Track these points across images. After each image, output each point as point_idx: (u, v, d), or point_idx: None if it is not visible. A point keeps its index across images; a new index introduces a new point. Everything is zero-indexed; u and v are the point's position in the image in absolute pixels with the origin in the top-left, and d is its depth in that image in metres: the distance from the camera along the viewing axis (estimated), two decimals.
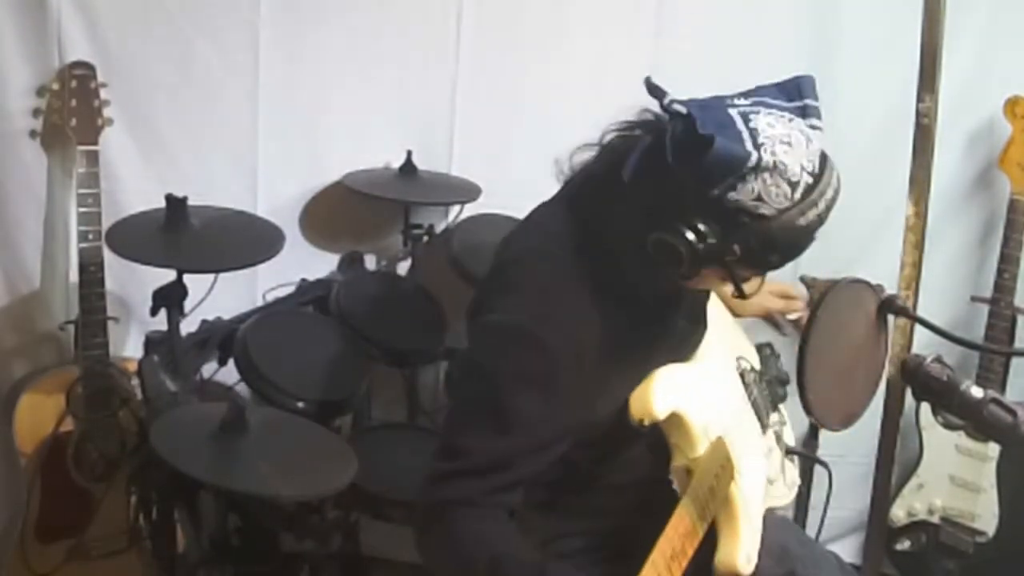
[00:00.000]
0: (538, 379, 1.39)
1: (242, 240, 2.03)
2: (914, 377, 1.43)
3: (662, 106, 1.39)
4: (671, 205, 1.33)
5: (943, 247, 2.49)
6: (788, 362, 1.71)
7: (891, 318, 1.53)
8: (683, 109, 1.35)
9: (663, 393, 1.43)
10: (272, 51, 2.34)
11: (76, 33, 2.23)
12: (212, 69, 2.33)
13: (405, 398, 2.40)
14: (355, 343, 2.14)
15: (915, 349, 2.25)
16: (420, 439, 2.28)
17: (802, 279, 2.46)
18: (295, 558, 1.95)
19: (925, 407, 2.47)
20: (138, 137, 2.33)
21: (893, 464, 2.45)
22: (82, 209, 2.15)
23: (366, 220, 2.48)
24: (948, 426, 2.47)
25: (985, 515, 2.43)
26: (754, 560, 1.51)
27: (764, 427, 1.67)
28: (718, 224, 1.31)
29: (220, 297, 2.06)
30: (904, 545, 2.54)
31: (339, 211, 2.45)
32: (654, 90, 1.43)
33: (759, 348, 1.81)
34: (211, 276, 2.03)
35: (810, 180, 1.31)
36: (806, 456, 1.79)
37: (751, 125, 1.32)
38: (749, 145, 1.29)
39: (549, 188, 2.49)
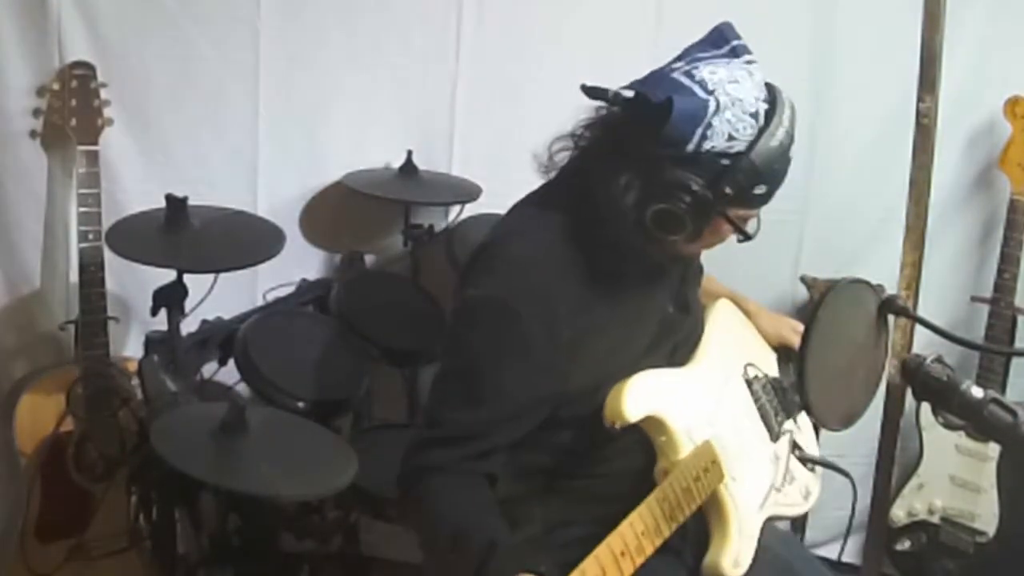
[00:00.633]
0: (510, 349, 1.43)
1: (242, 240, 2.03)
2: (914, 377, 1.43)
3: (609, 102, 1.50)
4: (656, 178, 1.40)
5: (943, 247, 2.49)
6: None
7: (891, 318, 1.53)
8: (630, 92, 1.46)
9: (636, 397, 1.44)
10: (272, 51, 2.34)
11: (76, 33, 2.23)
12: (212, 69, 2.33)
13: (405, 398, 2.40)
14: (355, 343, 2.14)
15: (915, 349, 2.25)
16: None
17: (802, 279, 2.48)
18: (295, 558, 1.96)
19: (925, 407, 2.47)
20: (138, 137, 2.33)
21: (893, 464, 2.44)
22: (82, 209, 2.15)
23: (366, 220, 2.48)
24: (948, 426, 2.47)
25: (985, 515, 2.43)
26: (743, 565, 1.50)
27: (773, 434, 1.67)
28: (704, 175, 1.39)
29: (220, 297, 2.07)
30: (904, 545, 2.54)
31: (339, 211, 2.45)
32: (593, 92, 1.55)
33: (780, 354, 1.82)
34: (211, 276, 2.03)
35: (766, 106, 1.42)
36: (826, 464, 1.80)
37: (696, 78, 1.43)
38: (703, 94, 1.39)
39: None
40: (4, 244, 2.31)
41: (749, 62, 1.49)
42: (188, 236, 1.94)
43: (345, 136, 2.43)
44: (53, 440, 2.17)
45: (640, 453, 1.51)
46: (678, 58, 1.52)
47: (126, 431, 2.13)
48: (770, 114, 1.41)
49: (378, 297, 2.32)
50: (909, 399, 2.38)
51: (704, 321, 1.71)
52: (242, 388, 2.07)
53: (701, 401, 1.55)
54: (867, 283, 1.49)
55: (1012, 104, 2.37)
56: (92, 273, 2.16)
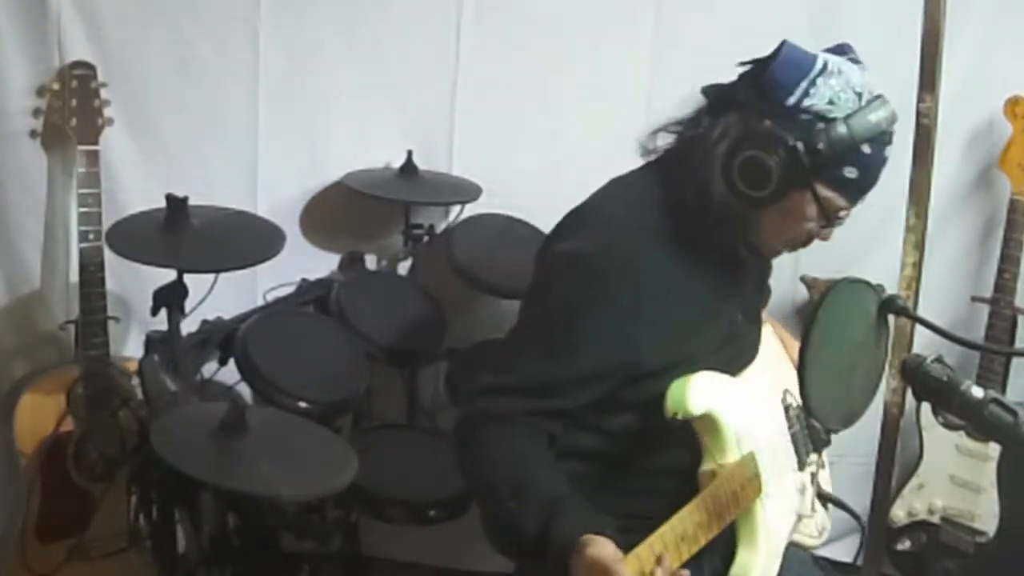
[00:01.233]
0: (594, 306, 1.45)
1: (242, 240, 2.03)
2: (914, 377, 1.42)
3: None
4: (753, 127, 1.43)
5: (943, 247, 2.49)
6: None
7: (891, 318, 1.53)
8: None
9: (701, 391, 1.46)
10: (272, 51, 2.34)
11: (76, 33, 2.23)
12: (212, 69, 2.33)
13: (405, 398, 2.40)
14: (355, 343, 2.14)
15: (915, 349, 2.25)
16: (420, 439, 2.28)
17: (802, 279, 2.48)
18: (295, 558, 1.96)
19: (925, 407, 2.47)
20: (138, 137, 2.33)
21: (893, 464, 2.45)
22: (82, 209, 2.15)
23: (366, 220, 2.48)
24: (948, 426, 2.47)
25: (985, 515, 2.43)
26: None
27: (801, 464, 1.68)
28: (800, 132, 1.40)
29: (220, 297, 2.06)
30: (904, 545, 2.54)
31: (339, 211, 2.45)
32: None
33: None
34: (211, 276, 2.03)
35: (871, 93, 1.44)
36: (839, 505, 1.82)
37: (812, 52, 1.45)
38: (818, 55, 1.44)
39: (549, 188, 2.52)
40: (4, 244, 2.32)
41: (859, 63, 1.50)
42: (188, 236, 1.94)
43: (345, 136, 2.43)
44: (53, 440, 2.17)
45: (686, 454, 1.52)
46: None
47: (126, 431, 2.13)
48: (873, 99, 1.43)
49: (378, 297, 2.32)
50: (909, 399, 2.40)
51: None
52: (242, 388, 2.07)
53: (749, 414, 1.56)
54: (867, 283, 1.49)
55: (1012, 104, 2.37)
56: (92, 273, 2.16)
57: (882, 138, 1.45)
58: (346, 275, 2.39)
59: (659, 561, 1.28)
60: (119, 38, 2.27)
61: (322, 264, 2.45)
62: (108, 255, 2.10)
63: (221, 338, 2.05)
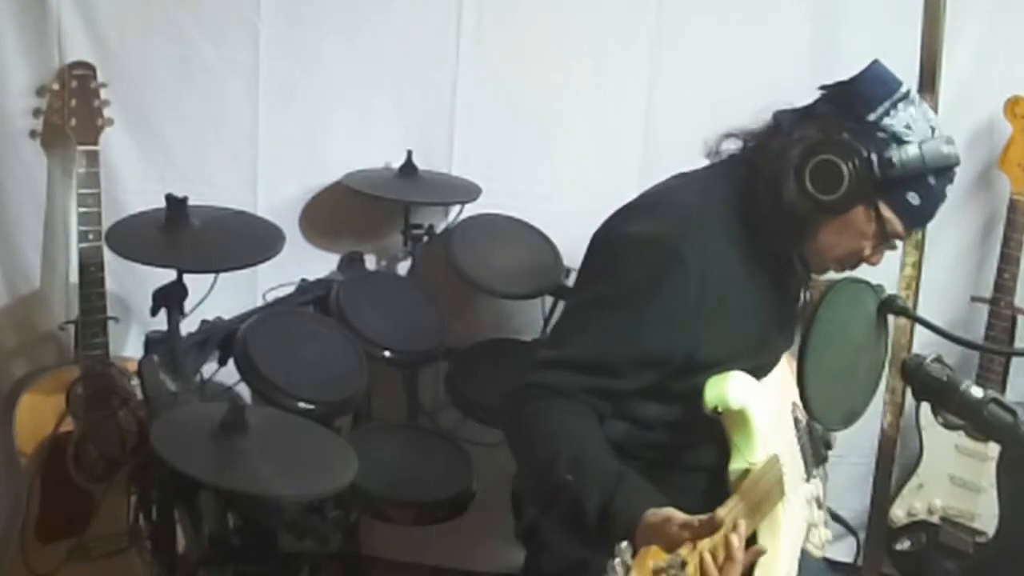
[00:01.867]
0: (667, 288, 1.46)
1: (242, 240, 2.03)
2: (914, 377, 1.43)
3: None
4: (832, 135, 1.47)
5: (943, 247, 2.49)
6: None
7: (891, 318, 1.53)
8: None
9: (739, 386, 1.48)
10: (272, 51, 2.34)
11: (76, 33, 2.23)
12: (212, 69, 2.33)
13: (405, 398, 2.40)
14: (355, 343, 2.14)
15: (915, 349, 2.26)
16: (420, 439, 2.28)
17: None
18: (295, 558, 1.96)
19: (925, 407, 2.47)
20: (138, 137, 2.33)
21: (893, 464, 2.45)
22: (82, 209, 2.15)
23: (366, 220, 2.48)
24: (948, 426, 2.47)
25: (985, 515, 2.43)
26: None
27: (808, 475, 1.69)
28: (874, 147, 1.45)
29: (220, 297, 2.06)
30: (904, 545, 2.54)
31: (339, 211, 2.45)
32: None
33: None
34: (211, 276, 2.03)
35: (942, 133, 1.49)
36: (836, 519, 1.83)
37: (910, 88, 1.52)
38: (904, 83, 1.50)
39: (549, 188, 2.52)
40: (4, 244, 2.32)
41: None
42: (188, 236, 1.94)
43: (345, 136, 2.43)
44: (53, 440, 2.17)
45: (714, 451, 1.53)
46: None
47: (126, 431, 2.13)
48: (945, 138, 1.48)
49: (378, 297, 2.32)
50: (909, 399, 2.40)
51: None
52: (242, 388, 2.07)
53: (772, 419, 1.57)
54: (867, 283, 1.49)
55: (1012, 104, 2.37)
56: (92, 273, 2.16)
57: (947, 174, 1.49)
58: (346, 275, 2.39)
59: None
60: (119, 38, 2.27)
61: (322, 264, 2.45)
62: (108, 255, 2.10)
63: (221, 338, 2.05)
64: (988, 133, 2.46)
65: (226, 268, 1.99)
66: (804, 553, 1.64)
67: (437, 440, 2.27)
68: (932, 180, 1.47)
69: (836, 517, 1.82)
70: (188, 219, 1.95)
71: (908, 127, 1.46)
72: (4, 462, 2.25)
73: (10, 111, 2.24)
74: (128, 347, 2.36)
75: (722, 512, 1.28)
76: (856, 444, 2.47)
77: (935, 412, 2.48)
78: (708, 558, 1.20)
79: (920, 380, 1.41)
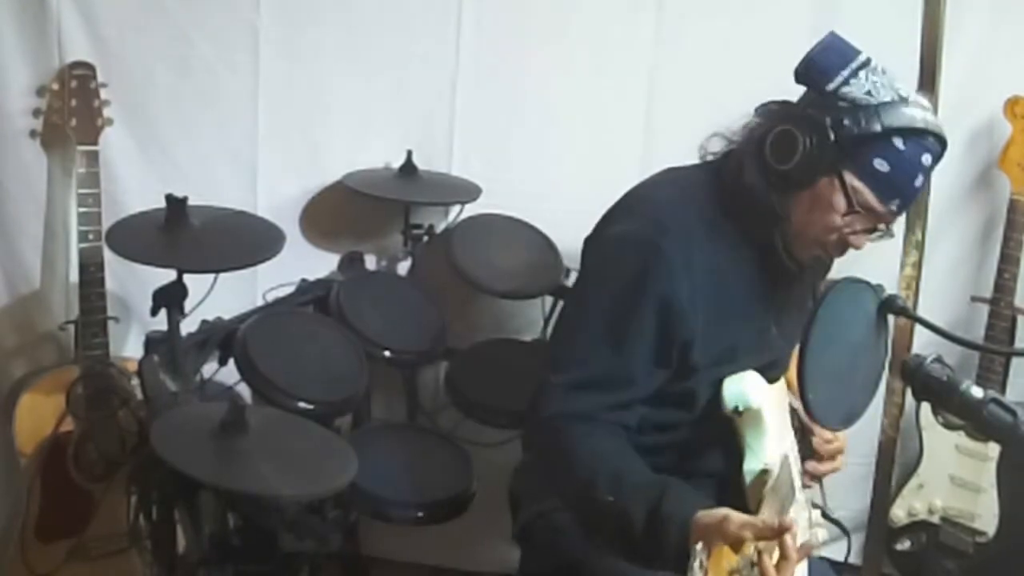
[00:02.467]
0: (653, 282, 1.46)
1: (242, 240, 2.03)
2: (914, 377, 1.43)
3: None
4: (791, 110, 1.48)
5: (943, 247, 2.49)
6: None
7: (891, 318, 1.53)
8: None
9: (755, 386, 1.50)
10: (272, 51, 2.34)
11: (76, 33, 2.23)
12: (212, 69, 2.33)
13: (405, 398, 2.40)
14: (355, 343, 2.14)
15: (915, 349, 2.26)
16: (420, 439, 2.28)
17: None
18: (295, 558, 1.95)
19: (925, 407, 2.47)
20: (138, 137, 2.33)
21: (893, 464, 2.45)
22: (82, 209, 2.15)
23: (366, 220, 2.48)
24: (948, 426, 2.47)
25: (985, 515, 2.43)
26: None
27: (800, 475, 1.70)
28: (833, 114, 1.43)
29: (220, 297, 2.06)
30: (904, 545, 2.54)
31: (339, 211, 2.45)
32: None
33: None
34: (211, 276, 2.03)
35: (916, 101, 1.46)
36: (827, 518, 1.83)
37: (869, 56, 1.48)
38: (863, 52, 1.47)
39: (549, 188, 2.52)
40: (4, 244, 2.32)
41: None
42: (188, 236, 1.94)
43: (345, 136, 2.43)
44: (53, 440, 2.17)
45: (719, 459, 1.54)
46: None
47: (126, 431, 2.13)
48: (917, 103, 1.45)
49: (378, 297, 2.32)
50: (909, 399, 2.40)
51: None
52: (242, 388, 2.07)
53: (778, 420, 1.58)
54: (867, 283, 1.49)
55: (1012, 104, 2.37)
56: (92, 273, 2.16)
57: (919, 138, 1.45)
58: (346, 275, 2.39)
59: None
60: (119, 38, 2.26)
61: (322, 264, 2.45)
62: (108, 255, 2.10)
63: (221, 338, 2.05)
64: (988, 133, 2.46)
65: (226, 268, 1.99)
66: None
67: (437, 440, 2.27)
68: (900, 144, 1.43)
69: (827, 516, 1.82)
70: (188, 219, 1.95)
71: (869, 93, 1.43)
72: (4, 462, 2.25)
73: (10, 111, 2.23)
74: (128, 347, 2.36)
75: (770, 516, 1.30)
76: (856, 444, 2.45)
77: (935, 412, 2.48)
78: (767, 560, 1.20)
79: (920, 380, 1.41)
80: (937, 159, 1.49)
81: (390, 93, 2.42)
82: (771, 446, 1.49)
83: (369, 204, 2.38)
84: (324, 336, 2.15)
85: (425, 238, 2.45)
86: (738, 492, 1.48)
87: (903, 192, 1.48)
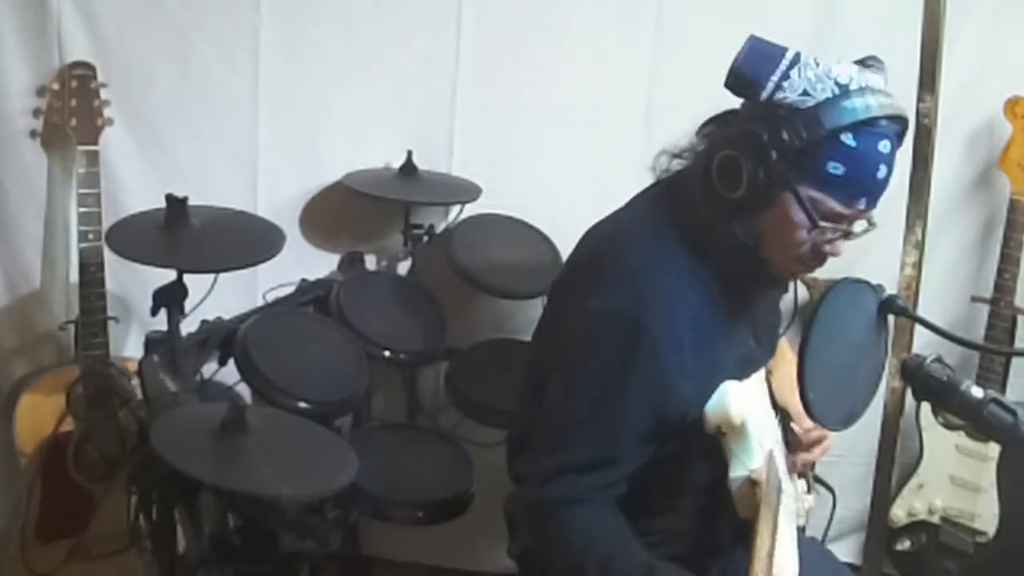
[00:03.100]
0: (639, 363, 1.41)
1: (242, 240, 2.03)
2: (914, 377, 1.43)
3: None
4: (731, 128, 1.39)
5: (943, 247, 2.49)
6: None
7: (891, 318, 1.53)
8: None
9: (736, 400, 1.46)
10: (272, 51, 2.34)
11: (76, 33, 2.23)
12: (212, 69, 2.33)
13: (405, 398, 2.40)
14: (355, 343, 2.14)
15: (915, 349, 2.26)
16: (420, 439, 2.29)
17: (802, 279, 2.47)
18: (295, 558, 1.95)
19: (925, 407, 2.47)
20: (138, 137, 2.33)
21: (893, 464, 2.45)
22: (82, 209, 2.15)
23: (366, 220, 2.48)
24: (948, 426, 2.47)
25: (985, 515, 2.43)
26: (797, 566, 1.51)
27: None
28: (771, 126, 1.33)
29: (220, 297, 2.06)
30: (904, 545, 2.54)
31: (339, 211, 2.45)
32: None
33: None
34: (211, 276, 2.03)
35: (861, 84, 1.34)
36: (817, 480, 1.84)
37: (798, 51, 1.37)
38: (789, 48, 1.36)
39: (549, 188, 2.52)
40: (4, 244, 2.32)
41: (867, 65, 1.40)
42: (188, 236, 1.94)
43: (345, 136, 2.43)
44: (53, 440, 2.17)
45: (706, 470, 1.52)
46: None
47: (126, 431, 2.13)
48: (861, 90, 1.34)
49: (378, 297, 2.32)
50: (909, 399, 2.40)
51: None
52: (242, 388, 2.07)
53: (759, 413, 1.57)
54: (867, 283, 1.49)
55: (1012, 104, 2.37)
56: (92, 273, 2.16)
57: (871, 129, 1.34)
58: (346, 275, 2.39)
59: None
60: (119, 38, 2.27)
61: (322, 264, 2.45)
62: (108, 255, 2.10)
63: (221, 338, 2.05)
64: (988, 133, 2.46)
65: (226, 268, 1.99)
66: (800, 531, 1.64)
67: (437, 440, 2.27)
68: (850, 140, 1.33)
69: (817, 479, 1.83)
70: (188, 219, 1.95)
71: (806, 93, 1.33)
72: (4, 462, 2.25)
73: (10, 111, 2.24)
74: (128, 347, 2.36)
75: (759, 540, 1.30)
76: (856, 444, 2.47)
77: (935, 412, 2.48)
78: None
79: (920, 380, 1.41)
80: (899, 138, 1.40)
81: (390, 93, 2.42)
82: (757, 449, 1.48)
83: (369, 204, 2.38)
84: (324, 336, 2.15)
85: (425, 238, 2.45)
86: (726, 501, 1.47)
87: (867, 189, 1.39)
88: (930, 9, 2.19)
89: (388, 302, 2.32)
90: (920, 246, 2.31)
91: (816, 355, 1.38)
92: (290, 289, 2.27)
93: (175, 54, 2.31)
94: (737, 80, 1.37)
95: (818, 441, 1.68)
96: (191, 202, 1.96)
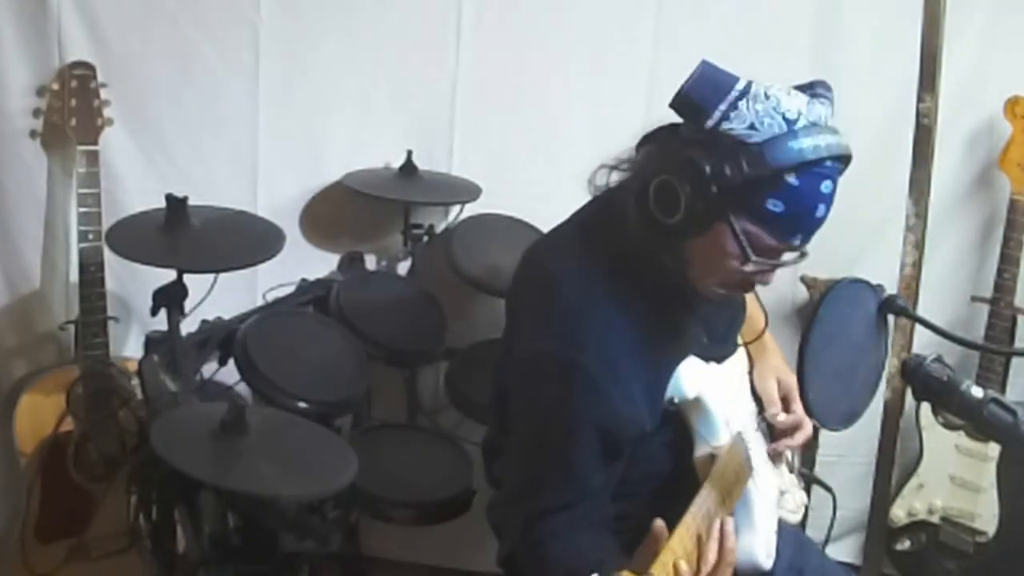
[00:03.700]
0: (580, 400, 1.41)
1: (242, 240, 2.03)
2: (914, 377, 1.42)
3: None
4: (671, 152, 1.36)
5: (943, 247, 2.49)
6: None
7: (891, 318, 1.53)
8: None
9: (689, 375, 1.49)
10: (272, 51, 2.34)
11: (76, 33, 2.23)
12: (212, 69, 2.33)
13: (405, 398, 2.40)
14: (355, 343, 2.14)
15: (915, 349, 2.26)
16: (420, 439, 2.28)
17: (802, 279, 2.48)
18: (295, 558, 1.95)
19: (925, 407, 2.47)
20: (138, 137, 2.33)
21: (893, 464, 2.45)
22: (82, 209, 2.15)
23: (366, 220, 2.48)
24: (948, 426, 2.47)
25: (985, 515, 2.43)
26: (773, 556, 1.52)
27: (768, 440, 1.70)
28: (715, 157, 1.31)
29: (220, 297, 2.06)
30: (904, 545, 2.54)
31: (339, 211, 2.45)
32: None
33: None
34: (211, 276, 2.03)
35: (808, 123, 1.32)
36: (810, 478, 1.85)
37: (749, 81, 1.35)
38: (742, 78, 1.33)
39: (548, 188, 2.52)
40: (4, 244, 2.32)
41: (821, 99, 1.39)
42: (188, 236, 1.94)
43: (345, 136, 2.43)
44: (53, 440, 2.17)
45: (666, 458, 1.53)
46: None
47: (126, 431, 2.13)
48: (809, 127, 1.32)
49: (378, 297, 2.32)
50: (909, 399, 2.40)
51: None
52: (242, 388, 2.07)
53: (731, 396, 1.59)
54: (867, 283, 1.49)
55: (1012, 104, 2.37)
56: (92, 273, 2.17)
57: (815, 169, 1.32)
58: (346, 275, 2.39)
59: (698, 541, 1.28)
60: (119, 38, 2.27)
61: (322, 264, 2.45)
62: (108, 255, 2.10)
63: (221, 338, 2.05)
64: (988, 133, 2.46)
65: (226, 268, 1.99)
66: (782, 522, 1.65)
67: (437, 440, 2.27)
68: (793, 180, 1.31)
69: (815, 479, 1.83)
70: (188, 219, 1.95)
71: (752, 127, 1.30)
72: (4, 462, 2.25)
73: (10, 111, 2.24)
74: (128, 347, 2.36)
75: (693, 508, 1.30)
76: (856, 444, 2.47)
77: (935, 412, 2.48)
78: (683, 566, 1.20)
79: (920, 380, 1.41)
80: (840, 174, 1.38)
81: (390, 93, 2.42)
82: (721, 427, 1.50)
83: (369, 204, 2.38)
84: (324, 336, 2.15)
85: (425, 238, 2.45)
86: (691, 482, 1.47)
87: (804, 227, 1.37)
88: (930, 9, 2.19)
89: (388, 302, 2.32)
90: (920, 246, 2.31)
91: (816, 355, 1.38)
92: (290, 289, 2.27)
93: (175, 54, 2.31)
94: (684, 104, 1.35)
95: (794, 427, 1.68)
96: (191, 202, 1.96)
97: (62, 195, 2.31)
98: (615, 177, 1.51)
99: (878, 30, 2.37)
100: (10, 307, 2.35)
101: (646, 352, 1.46)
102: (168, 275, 1.94)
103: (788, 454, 1.74)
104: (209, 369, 2.11)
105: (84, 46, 2.24)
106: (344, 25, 2.36)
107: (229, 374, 2.08)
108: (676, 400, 1.48)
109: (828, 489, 1.82)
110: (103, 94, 2.21)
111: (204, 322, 2.07)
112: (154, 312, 1.96)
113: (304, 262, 2.39)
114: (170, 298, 1.94)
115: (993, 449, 2.40)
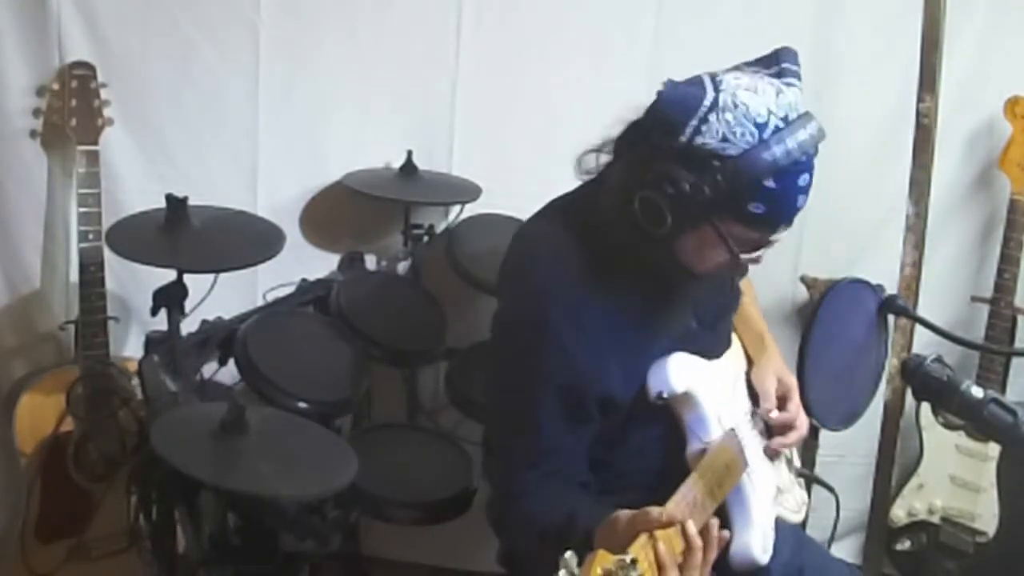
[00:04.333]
0: (548, 365, 1.45)
1: (242, 240, 2.03)
2: (914, 377, 1.43)
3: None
4: (648, 167, 1.40)
5: (943, 247, 2.49)
6: None
7: (891, 318, 1.53)
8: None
9: (679, 370, 1.50)
10: (272, 51, 2.34)
11: (76, 33, 2.23)
12: (212, 69, 2.33)
13: (405, 398, 2.40)
14: (355, 343, 2.14)
15: (915, 349, 2.26)
16: (420, 439, 2.28)
17: (802, 279, 2.48)
18: (295, 558, 1.96)
19: (925, 407, 2.47)
20: (138, 137, 2.33)
21: (893, 464, 2.46)
22: (82, 209, 2.15)
23: (366, 220, 2.48)
24: (948, 426, 2.47)
25: (985, 515, 2.43)
26: (770, 551, 1.52)
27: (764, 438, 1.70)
28: (692, 172, 1.35)
29: (220, 297, 2.06)
30: (904, 545, 2.54)
31: (339, 211, 2.45)
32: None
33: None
34: (211, 276, 2.03)
35: (779, 123, 1.35)
36: (812, 479, 1.84)
37: (716, 79, 1.38)
38: (709, 88, 1.36)
39: (549, 188, 2.51)
40: (4, 244, 2.32)
41: (789, 84, 1.42)
42: (188, 236, 1.94)
43: (345, 136, 2.43)
44: (53, 440, 2.17)
45: (658, 455, 1.54)
46: (728, 70, 1.46)
47: (126, 431, 2.13)
48: (779, 132, 1.35)
49: (378, 297, 2.31)
50: (909, 399, 2.40)
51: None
52: (242, 388, 2.07)
53: (724, 392, 1.58)
54: (867, 283, 1.50)
55: (1012, 104, 2.37)
56: (92, 273, 2.17)
57: (791, 168, 1.36)
58: (346, 275, 2.39)
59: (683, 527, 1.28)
60: (119, 38, 2.27)
61: (322, 264, 2.45)
62: (108, 255, 2.10)
63: (221, 338, 2.05)
64: (988, 133, 2.46)
65: (226, 268, 1.99)
66: (780, 520, 1.65)
67: (437, 440, 2.26)
68: (772, 184, 1.35)
69: (806, 475, 1.83)
70: (188, 219, 1.95)
71: (725, 139, 1.34)
72: (4, 462, 2.25)
73: (10, 111, 2.24)
74: (128, 347, 2.36)
75: (677, 496, 1.30)
76: (856, 444, 2.47)
77: (935, 412, 2.48)
78: (663, 548, 1.21)
79: (920, 380, 1.42)
80: (816, 154, 1.41)
81: (390, 93, 2.42)
82: (713, 423, 1.50)
83: (369, 204, 2.38)
84: (324, 336, 2.15)
85: (425, 238, 2.45)
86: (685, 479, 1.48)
87: (787, 218, 1.42)
88: (930, 9, 2.20)
89: (388, 302, 2.32)
90: (920, 246, 2.31)
91: (816, 355, 1.39)
92: (290, 289, 2.27)
93: (175, 54, 2.31)
94: (655, 123, 1.40)
95: (787, 425, 1.68)
96: (191, 202, 1.96)
97: (62, 195, 2.31)
98: (603, 159, 1.58)
99: (878, 30, 2.37)
100: (10, 307, 2.35)
101: (627, 328, 1.49)
102: (168, 275, 1.94)
103: (787, 453, 1.74)
104: (209, 369, 2.11)
105: (84, 46, 2.24)
106: (344, 25, 2.36)
107: (229, 374, 2.08)
108: (665, 395, 1.49)
109: (831, 490, 1.82)
110: (103, 94, 2.21)
111: (204, 322, 2.07)
112: (154, 312, 1.96)
113: (304, 262, 2.39)
114: (170, 298, 1.94)
115: (993, 449, 2.40)
